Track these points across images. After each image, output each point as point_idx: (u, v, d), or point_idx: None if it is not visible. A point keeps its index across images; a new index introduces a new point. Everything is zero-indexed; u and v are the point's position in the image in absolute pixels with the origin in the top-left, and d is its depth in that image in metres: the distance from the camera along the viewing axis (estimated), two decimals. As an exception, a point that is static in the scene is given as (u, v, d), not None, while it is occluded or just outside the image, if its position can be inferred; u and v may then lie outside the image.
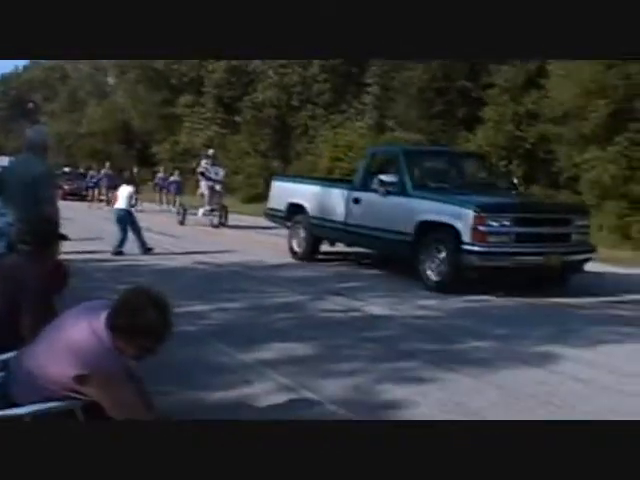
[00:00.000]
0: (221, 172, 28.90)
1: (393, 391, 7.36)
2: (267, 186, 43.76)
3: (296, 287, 13.51)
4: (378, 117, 42.07)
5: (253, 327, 10.12)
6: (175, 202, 39.01)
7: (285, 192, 18.89)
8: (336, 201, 16.61)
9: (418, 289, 13.47)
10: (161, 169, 46.70)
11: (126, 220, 18.66)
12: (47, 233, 6.94)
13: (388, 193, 14.88)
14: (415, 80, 37.34)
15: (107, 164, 44.28)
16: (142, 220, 25.75)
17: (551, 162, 31.10)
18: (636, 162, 26.27)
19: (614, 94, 26.94)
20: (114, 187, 39.41)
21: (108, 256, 17.47)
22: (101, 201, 42.06)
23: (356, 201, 15.85)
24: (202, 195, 29.03)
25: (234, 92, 52.75)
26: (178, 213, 29.90)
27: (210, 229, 26.52)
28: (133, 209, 19.30)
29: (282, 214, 18.66)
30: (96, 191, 45.59)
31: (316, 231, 17.38)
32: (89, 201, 43.37)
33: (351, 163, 37.92)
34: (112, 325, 4.48)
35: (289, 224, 18.47)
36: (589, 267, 14.19)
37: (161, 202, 42.64)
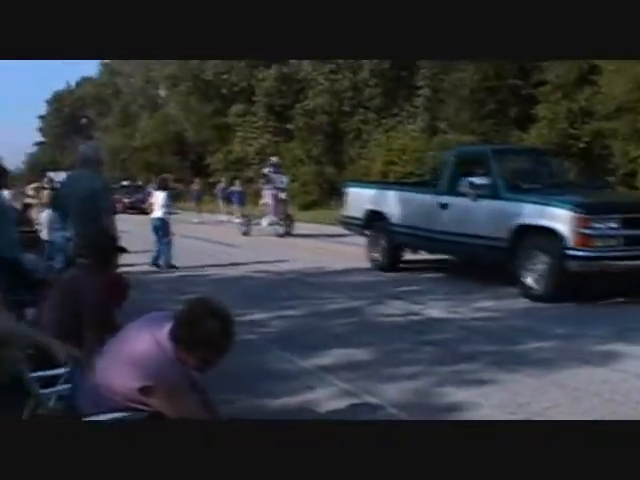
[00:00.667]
0: (285, 180, 28.19)
1: (454, 394, 7.37)
2: (322, 193, 43.88)
3: (355, 292, 13.55)
4: (430, 119, 42.02)
5: (313, 333, 10.18)
6: (238, 212, 36.23)
7: (362, 198, 17.75)
8: (420, 206, 15.58)
9: (476, 291, 13.43)
10: (222, 179, 45.60)
11: (159, 229, 18.33)
12: (106, 247, 7.04)
13: (478, 196, 13.87)
14: (466, 81, 37.25)
15: (167, 176, 42.78)
16: (203, 232, 25.90)
17: (607, 158, 30.84)
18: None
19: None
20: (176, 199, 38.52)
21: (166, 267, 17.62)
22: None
23: (443, 206, 14.79)
24: (266, 205, 27.99)
25: (285, 100, 52.87)
26: (242, 224, 28.93)
27: (275, 239, 25.91)
28: (171, 217, 18.88)
29: (360, 222, 17.58)
30: None
31: (398, 239, 16.34)
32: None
33: (405, 167, 38.00)
34: (174, 336, 4.53)
35: (368, 232, 17.41)
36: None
37: (225, 212, 40.53)
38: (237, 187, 40.44)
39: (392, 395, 7.32)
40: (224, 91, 58.47)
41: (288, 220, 27.10)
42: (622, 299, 12.39)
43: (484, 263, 14.76)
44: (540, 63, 34.62)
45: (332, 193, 44.12)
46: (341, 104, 47.55)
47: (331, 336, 9.98)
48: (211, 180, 53.18)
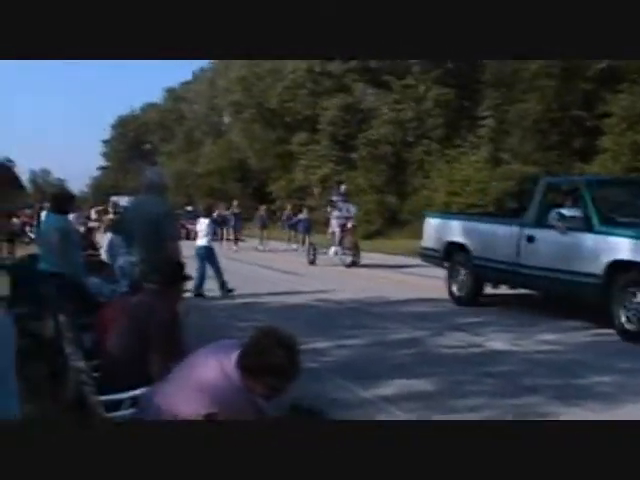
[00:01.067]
0: (352, 209, 27.25)
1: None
2: (384, 222, 43.71)
3: (416, 323, 13.48)
4: (493, 150, 41.91)
5: (374, 363, 10.16)
6: (304, 241, 36.42)
7: (442, 230, 17.01)
8: (505, 239, 14.72)
9: (540, 323, 13.31)
10: (288, 206, 44.29)
11: (204, 257, 18.00)
12: (174, 273, 7.10)
13: (569, 229, 13.03)
14: (530, 111, 37.18)
15: (235, 202, 41.86)
16: (268, 260, 25.72)
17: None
18: None
19: None
20: (241, 227, 37.08)
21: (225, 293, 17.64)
22: (229, 240, 39.46)
23: (530, 239, 14.01)
24: (333, 234, 27.06)
25: (349, 129, 53.01)
26: (308, 252, 28.29)
27: (341, 268, 25.02)
28: (216, 244, 18.57)
29: (439, 254, 16.84)
30: (225, 230, 40.50)
31: (481, 272, 15.62)
32: (219, 241, 37.97)
33: (468, 198, 37.97)
34: (242, 365, 4.57)
35: (447, 265, 16.67)
36: None
37: (289, 241, 40.10)
38: (303, 215, 39.50)
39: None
40: (288, 119, 58.80)
41: (355, 250, 25.92)
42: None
43: (574, 300, 13.95)
44: (604, 95, 34.56)
45: (394, 223, 44.15)
46: (404, 134, 47.57)
47: (392, 366, 9.96)
48: (273, 207, 53.29)
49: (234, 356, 4.63)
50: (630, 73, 34.48)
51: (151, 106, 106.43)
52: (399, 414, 7.74)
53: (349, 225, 26.30)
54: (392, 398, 8.35)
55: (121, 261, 12.11)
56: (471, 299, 15.82)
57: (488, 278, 15.83)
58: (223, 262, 18.54)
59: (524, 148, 38.27)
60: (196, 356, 4.97)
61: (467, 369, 9.83)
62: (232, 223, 39.14)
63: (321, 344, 11.39)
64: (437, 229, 17.32)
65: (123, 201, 38.96)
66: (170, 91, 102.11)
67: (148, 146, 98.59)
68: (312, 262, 27.25)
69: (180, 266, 7.45)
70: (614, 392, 8.68)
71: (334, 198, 27.86)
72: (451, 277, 16.44)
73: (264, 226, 40.53)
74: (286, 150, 59.16)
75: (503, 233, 14.94)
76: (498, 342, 11.72)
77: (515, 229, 14.54)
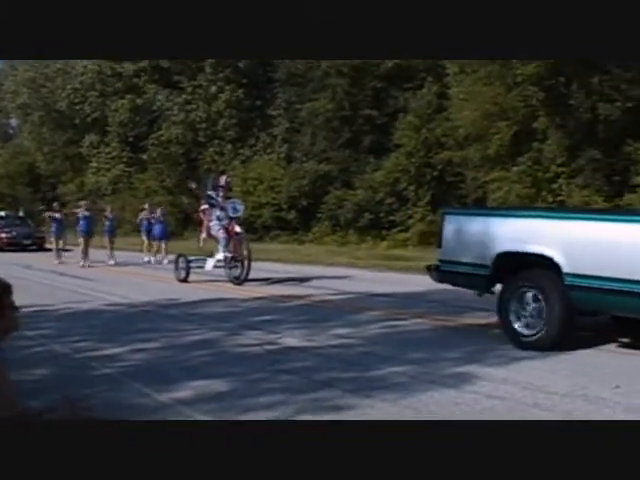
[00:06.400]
0: (241, 207, 20.66)
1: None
2: (178, 223, 43.37)
3: (212, 323, 13.44)
4: (286, 149, 42.43)
5: (169, 366, 10.05)
6: (160, 249, 30.21)
7: (486, 234, 11.25)
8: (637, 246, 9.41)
9: (332, 318, 13.50)
10: (146, 205, 34.21)
11: None
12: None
13: None
14: (321, 110, 37.74)
15: (83, 203, 31.67)
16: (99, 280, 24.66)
17: (458, 185, 31.76)
18: (540, 181, 26.98)
19: (515, 116, 27.66)
20: (91, 234, 29.03)
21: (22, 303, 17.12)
22: (66, 250, 31.17)
23: None
24: (205, 239, 21.36)
25: (139, 130, 52.68)
26: (177, 266, 21.45)
27: (231, 286, 19.64)
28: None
29: (485, 272, 11.18)
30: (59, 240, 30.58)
31: (580, 300, 10.08)
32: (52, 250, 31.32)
33: (260, 196, 38.36)
34: None
35: (499, 289, 11.34)
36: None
37: (147, 250, 31.19)
38: (159, 214, 31.47)
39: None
40: (77, 121, 57.87)
41: (246, 261, 19.67)
42: (475, 321, 12.62)
43: None
44: (395, 94, 35.55)
45: (188, 223, 44.08)
46: (196, 135, 47.60)
47: (188, 368, 9.88)
48: (65, 211, 52.26)
49: None
50: (419, 72, 35.57)
51: None
52: (196, 416, 7.68)
53: (237, 229, 20.01)
54: (188, 401, 8.27)
55: None
56: (559, 340, 10.38)
57: (593, 307, 10.49)
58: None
59: (317, 147, 38.85)
60: None
61: (262, 367, 9.84)
62: (82, 228, 29.10)
63: (115, 349, 11.21)
64: (475, 234, 11.65)
65: None
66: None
67: None
68: (184, 280, 20.98)
69: None
70: (407, 382, 8.85)
71: (212, 193, 20.62)
72: (511, 308, 10.87)
73: (112, 233, 30.81)
74: (76, 153, 58.30)
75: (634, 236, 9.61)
76: (292, 339, 11.80)
77: None
